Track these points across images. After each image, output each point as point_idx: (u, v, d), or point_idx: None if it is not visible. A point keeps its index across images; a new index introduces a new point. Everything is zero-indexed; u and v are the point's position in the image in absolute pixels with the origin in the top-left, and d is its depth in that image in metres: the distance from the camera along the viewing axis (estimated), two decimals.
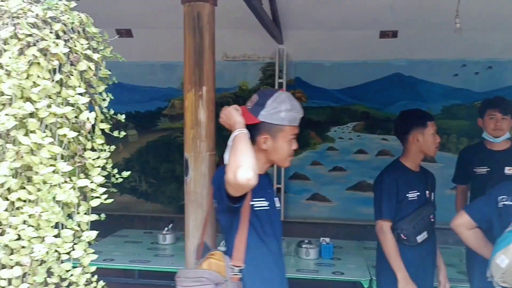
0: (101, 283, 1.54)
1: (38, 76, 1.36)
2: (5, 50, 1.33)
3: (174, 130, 6.18)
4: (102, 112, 1.55)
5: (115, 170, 1.57)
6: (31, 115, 1.37)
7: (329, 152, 5.82)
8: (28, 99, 1.37)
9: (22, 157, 1.37)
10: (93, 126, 1.52)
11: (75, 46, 1.41)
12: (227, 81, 5.83)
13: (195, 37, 2.67)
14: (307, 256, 4.20)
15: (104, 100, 1.54)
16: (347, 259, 4.15)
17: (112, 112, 1.57)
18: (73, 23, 1.41)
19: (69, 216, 1.48)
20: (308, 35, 5.38)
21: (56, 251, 1.37)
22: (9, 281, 1.40)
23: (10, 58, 1.30)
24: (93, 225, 1.53)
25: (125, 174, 1.61)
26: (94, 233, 1.46)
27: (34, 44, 1.35)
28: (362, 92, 5.67)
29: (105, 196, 1.48)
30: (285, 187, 5.87)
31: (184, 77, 2.68)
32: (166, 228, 4.79)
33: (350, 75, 5.66)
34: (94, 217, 1.50)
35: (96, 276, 1.53)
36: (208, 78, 2.71)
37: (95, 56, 1.45)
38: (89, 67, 1.45)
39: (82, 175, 1.50)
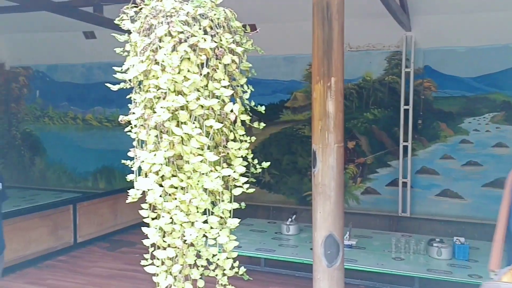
0: (243, 269, 1.60)
1: (188, 71, 1.45)
2: (160, 47, 1.44)
3: (296, 122, 6.23)
4: (242, 104, 1.60)
5: (256, 161, 1.62)
6: (182, 107, 1.46)
7: (462, 145, 5.39)
8: (180, 93, 1.46)
9: (174, 146, 1.47)
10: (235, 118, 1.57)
11: (221, 40, 1.48)
12: (350, 72, 5.70)
13: (324, 28, 2.64)
14: (438, 256, 3.95)
15: (245, 92, 1.59)
16: (486, 262, 3.80)
17: (253, 103, 1.61)
18: (219, 18, 1.48)
19: (213, 203, 1.56)
20: (440, 19, 5.02)
21: (204, 235, 1.45)
22: (162, 261, 1.51)
23: (165, 54, 1.40)
24: None
25: (265, 164, 1.64)
26: (236, 221, 1.52)
27: (185, 41, 1.44)
28: (502, 80, 5.14)
29: (247, 185, 1.52)
30: (411, 181, 5.58)
31: (312, 69, 2.67)
32: (289, 219, 4.85)
33: (488, 61, 5.16)
34: (236, 205, 1.56)
35: (237, 262, 1.59)
36: (337, 68, 2.66)
37: (239, 50, 1.50)
38: (233, 61, 1.50)
39: (224, 165, 1.57)
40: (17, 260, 4.85)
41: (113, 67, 1.56)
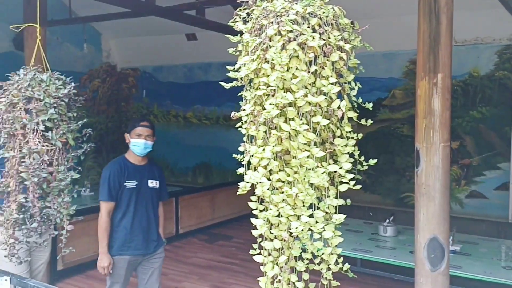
0: (347, 265, 1.61)
1: (297, 68, 1.49)
2: (270, 46, 1.50)
3: (394, 121, 6.03)
4: (349, 101, 1.60)
5: (363, 157, 1.61)
6: (290, 104, 1.50)
7: None
8: (288, 90, 1.50)
9: (282, 142, 1.52)
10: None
11: (329, 38, 1.50)
12: (455, 68, 5.35)
13: (431, 22, 2.53)
14: None
15: (352, 89, 1.60)
16: None
17: (360, 100, 1.61)
18: (327, 16, 1.50)
19: (318, 199, 1.58)
20: None
21: (309, 229, 1.49)
22: (269, 252, 1.57)
23: (274, 53, 1.45)
24: None
25: (372, 161, 1.63)
26: (342, 216, 1.53)
27: (294, 39, 1.48)
28: None
29: (353, 182, 1.53)
30: None
31: (416, 65, 2.58)
32: (387, 220, 4.72)
33: None
34: (341, 201, 1.57)
35: (342, 258, 1.60)
36: (444, 64, 2.55)
37: (347, 47, 1.51)
38: (341, 58, 1.51)
39: (331, 161, 1.58)
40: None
41: (226, 66, 1.65)
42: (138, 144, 3.09)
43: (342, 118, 1.57)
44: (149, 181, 3.25)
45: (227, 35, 1.68)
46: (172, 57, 8.24)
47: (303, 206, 1.48)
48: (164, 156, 8.44)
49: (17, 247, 2.33)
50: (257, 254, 1.58)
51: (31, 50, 4.35)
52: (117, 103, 8.78)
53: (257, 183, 1.50)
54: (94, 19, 6.79)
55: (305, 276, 1.57)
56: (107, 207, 3.08)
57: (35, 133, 2.29)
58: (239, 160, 1.64)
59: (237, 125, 1.65)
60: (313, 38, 1.46)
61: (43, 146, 2.29)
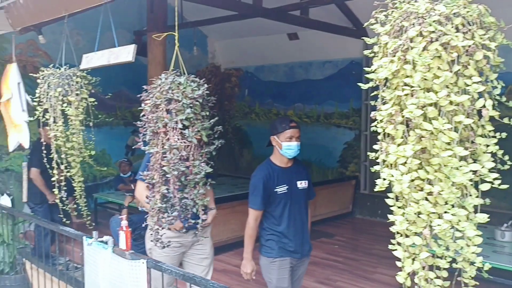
0: (488, 264, 1.60)
1: (439, 68, 1.51)
2: (411, 48, 1.53)
3: None
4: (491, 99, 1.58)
5: (507, 157, 1.59)
6: (430, 104, 1.53)
7: None
8: (428, 90, 1.53)
9: (421, 141, 1.55)
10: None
11: (473, 37, 1.50)
12: None
13: None
14: None
15: (495, 87, 1.58)
16: None
17: (504, 99, 1.59)
18: (471, 15, 1.50)
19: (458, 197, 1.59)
20: None
21: (451, 227, 1.50)
22: (406, 248, 1.61)
23: (417, 54, 1.49)
24: None
25: None
26: (485, 216, 1.52)
27: (436, 40, 1.50)
28: None
29: (498, 181, 1.51)
30: None
31: None
32: (505, 225, 4.45)
33: None
34: (481, 201, 1.56)
35: (481, 258, 1.59)
36: None
37: (493, 45, 1.50)
38: (485, 56, 1.50)
39: (470, 160, 1.58)
40: (234, 239, 5.54)
41: (364, 68, 1.71)
42: (292, 147, 3.02)
43: (482, 116, 1.55)
44: (298, 182, 3.14)
45: (363, 38, 1.74)
46: (274, 56, 8.44)
47: (446, 204, 1.50)
48: (266, 153, 8.65)
49: (160, 232, 2.60)
50: (395, 250, 1.62)
51: (154, 55, 4.78)
52: (221, 102, 9.18)
53: (396, 180, 1.55)
54: (203, 23, 7.20)
55: (444, 273, 1.58)
56: (257, 214, 3.03)
57: (174, 131, 2.52)
58: (373, 158, 1.70)
59: (372, 125, 1.70)
60: (457, 37, 1.47)
61: (181, 142, 2.51)
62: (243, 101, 9.15)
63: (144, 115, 2.56)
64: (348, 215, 7.42)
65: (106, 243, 3.00)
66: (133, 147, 3.07)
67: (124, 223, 3.06)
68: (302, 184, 3.15)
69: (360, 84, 1.80)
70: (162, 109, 2.55)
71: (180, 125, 2.54)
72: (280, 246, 3.02)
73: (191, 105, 2.57)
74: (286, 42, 8.03)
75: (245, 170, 8.90)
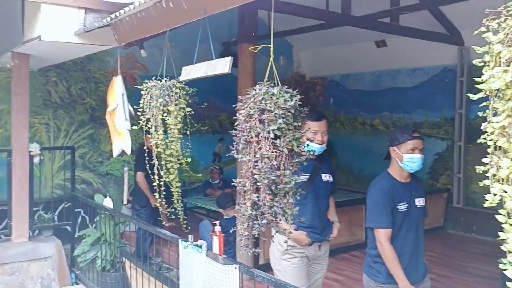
0: None
1: None
2: None
3: None
4: None
5: None
6: None
7: None
8: None
9: None
10: None
11: None
12: None
13: None
14: None
15: None
16: None
17: None
18: None
19: None
20: None
21: None
22: None
23: None
24: None
25: None
26: None
27: None
28: None
29: None
30: None
31: None
32: None
33: None
34: None
35: None
36: None
37: None
38: None
39: None
40: None
41: (474, 78, 1.64)
42: (415, 160, 2.78)
43: None
44: (416, 200, 2.89)
45: (473, 46, 1.66)
46: (360, 64, 8.31)
47: None
48: (350, 163, 8.54)
49: (250, 239, 2.67)
50: (506, 269, 1.53)
51: (244, 66, 4.91)
52: None
53: (509, 196, 1.46)
54: (290, 33, 7.29)
55: None
56: (387, 234, 2.74)
57: (266, 141, 2.58)
58: (482, 171, 1.61)
59: (481, 137, 1.62)
60: None
61: (272, 152, 2.56)
62: (328, 110, 9.08)
63: (238, 124, 2.65)
64: (439, 230, 7.05)
65: (200, 246, 3.13)
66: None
67: (218, 228, 3.18)
68: (420, 202, 2.90)
69: (469, 94, 1.72)
70: (255, 119, 2.62)
71: (272, 135, 2.59)
72: (389, 272, 2.76)
73: (283, 115, 2.61)
74: (373, 49, 7.87)
75: None
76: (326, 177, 3.31)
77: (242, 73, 4.87)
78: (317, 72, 9.16)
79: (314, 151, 3.10)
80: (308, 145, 3.01)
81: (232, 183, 3.02)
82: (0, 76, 6.35)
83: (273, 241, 3.22)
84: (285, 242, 2.82)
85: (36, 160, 5.34)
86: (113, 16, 3.59)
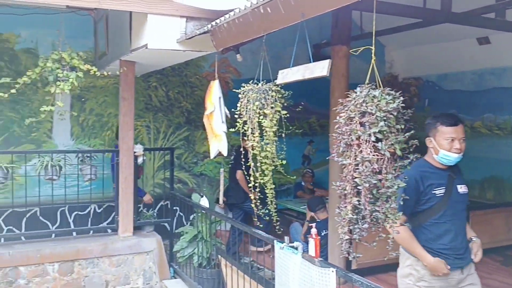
0: None
1: None
2: None
3: None
4: None
5: None
6: None
7: None
8: None
9: None
10: None
11: None
12: None
13: None
14: None
15: None
16: None
17: None
18: None
19: None
20: None
21: None
22: None
23: None
24: None
25: None
26: None
27: None
28: None
29: None
30: None
31: None
32: None
33: None
34: None
35: None
36: None
37: None
38: None
39: None
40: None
41: None
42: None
43: None
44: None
45: None
46: (459, 63, 7.83)
47: None
48: None
49: (350, 243, 2.63)
50: None
51: (338, 68, 4.86)
52: None
53: None
54: (384, 33, 7.06)
55: None
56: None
57: (367, 144, 2.53)
58: None
59: None
60: None
61: (373, 155, 2.51)
62: (423, 112, 8.67)
63: (338, 127, 2.64)
64: None
65: (296, 248, 3.15)
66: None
67: (314, 231, 3.19)
68: (462, 189, 2.96)
69: None
70: (356, 121, 2.59)
71: (373, 138, 2.55)
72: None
73: (385, 118, 2.55)
74: (475, 47, 7.37)
75: None
76: (462, 188, 2.97)
77: (336, 75, 4.83)
78: (411, 72, 8.79)
79: (451, 161, 2.86)
80: (444, 155, 2.86)
81: (333, 186, 3.01)
82: (108, 82, 6.89)
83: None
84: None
85: (140, 160, 5.73)
86: (213, 23, 3.75)
